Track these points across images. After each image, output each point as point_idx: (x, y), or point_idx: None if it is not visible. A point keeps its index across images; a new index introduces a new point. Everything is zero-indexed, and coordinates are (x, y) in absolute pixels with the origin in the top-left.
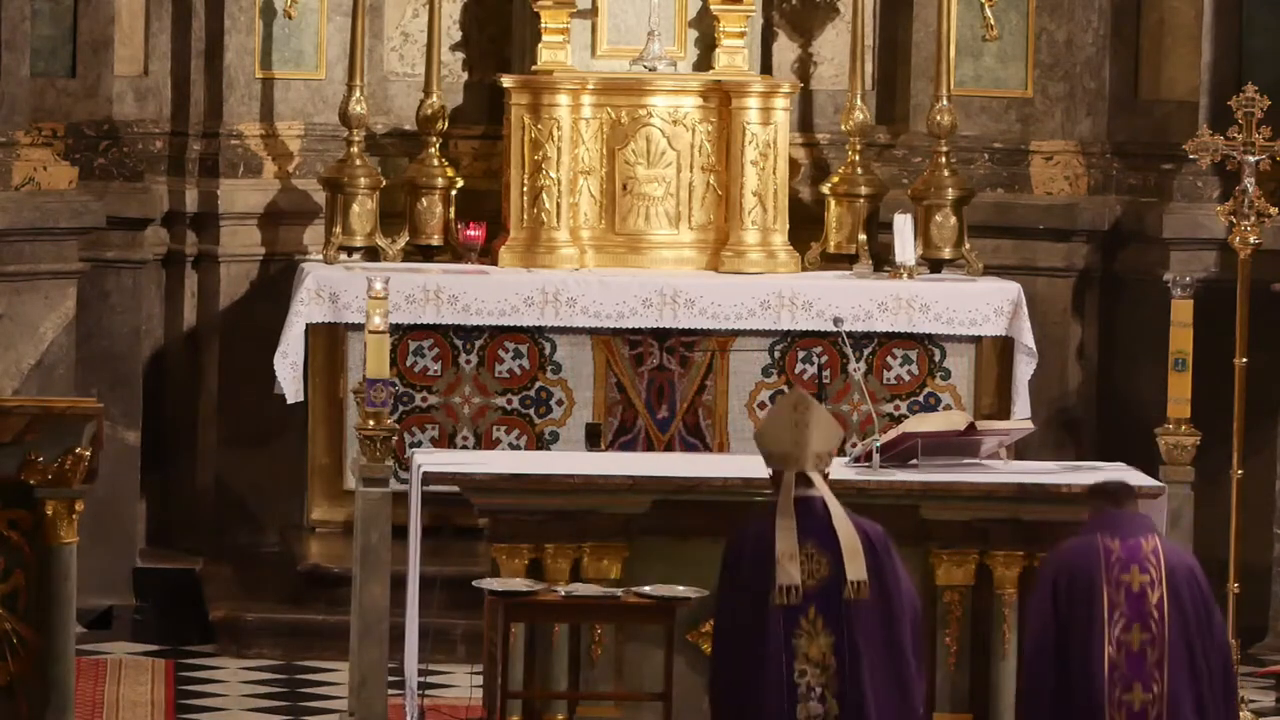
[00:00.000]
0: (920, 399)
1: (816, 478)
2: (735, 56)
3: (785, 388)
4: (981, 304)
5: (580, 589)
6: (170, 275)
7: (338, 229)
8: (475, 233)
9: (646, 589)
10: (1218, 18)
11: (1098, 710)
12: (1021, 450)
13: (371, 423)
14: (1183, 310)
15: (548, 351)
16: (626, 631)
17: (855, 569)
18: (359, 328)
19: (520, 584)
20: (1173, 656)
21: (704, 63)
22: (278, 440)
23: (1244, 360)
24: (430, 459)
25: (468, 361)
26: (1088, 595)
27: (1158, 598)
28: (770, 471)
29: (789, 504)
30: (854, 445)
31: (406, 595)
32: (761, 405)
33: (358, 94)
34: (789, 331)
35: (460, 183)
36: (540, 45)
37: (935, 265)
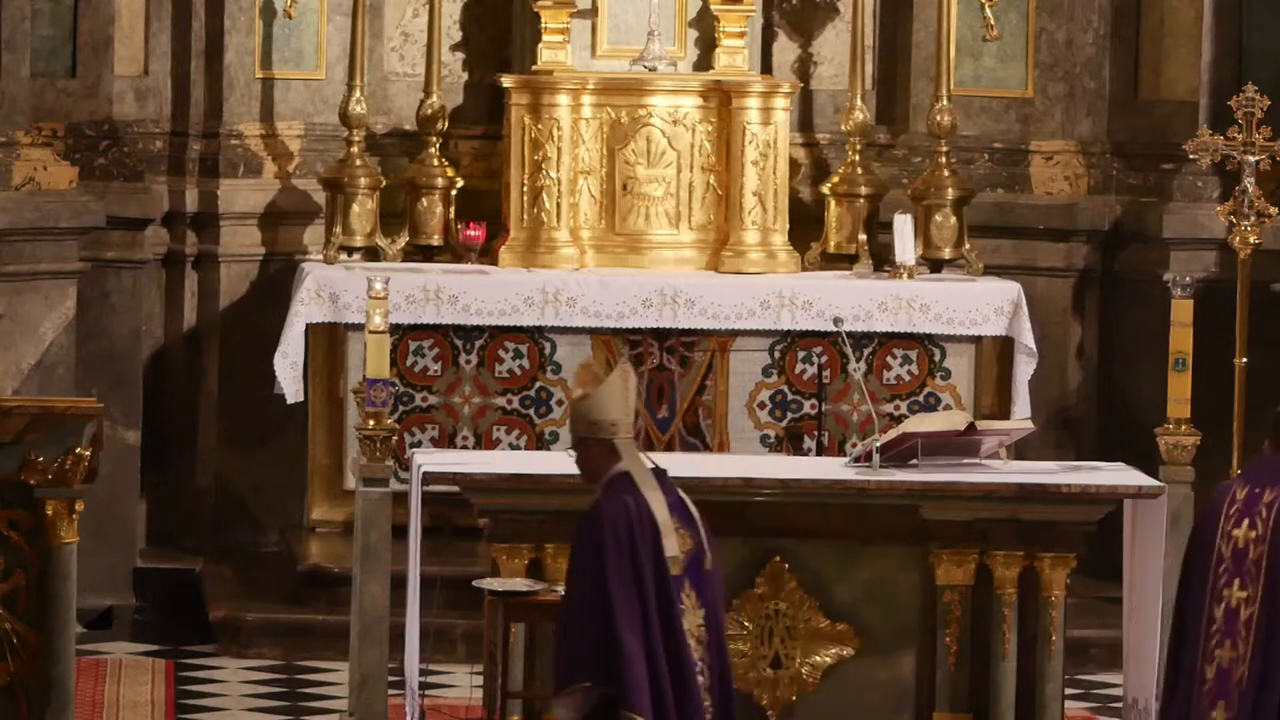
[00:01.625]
0: (920, 399)
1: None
2: (735, 56)
3: (785, 387)
4: (981, 304)
5: None
6: (170, 275)
7: (338, 229)
8: (475, 233)
9: None
10: (1218, 18)
11: (1195, 660)
12: (1021, 450)
13: (371, 423)
14: (1183, 310)
15: (548, 351)
16: None
17: (705, 538)
18: (359, 328)
19: (520, 584)
20: (1264, 617)
21: (704, 63)
22: (278, 440)
23: (1244, 360)
24: (430, 459)
25: (468, 361)
26: (1204, 543)
27: (1258, 555)
28: (590, 442)
29: (651, 474)
30: (854, 445)
31: (406, 595)
32: (761, 405)
33: (358, 94)
34: (789, 331)
35: (460, 183)
36: (540, 45)
37: (935, 265)
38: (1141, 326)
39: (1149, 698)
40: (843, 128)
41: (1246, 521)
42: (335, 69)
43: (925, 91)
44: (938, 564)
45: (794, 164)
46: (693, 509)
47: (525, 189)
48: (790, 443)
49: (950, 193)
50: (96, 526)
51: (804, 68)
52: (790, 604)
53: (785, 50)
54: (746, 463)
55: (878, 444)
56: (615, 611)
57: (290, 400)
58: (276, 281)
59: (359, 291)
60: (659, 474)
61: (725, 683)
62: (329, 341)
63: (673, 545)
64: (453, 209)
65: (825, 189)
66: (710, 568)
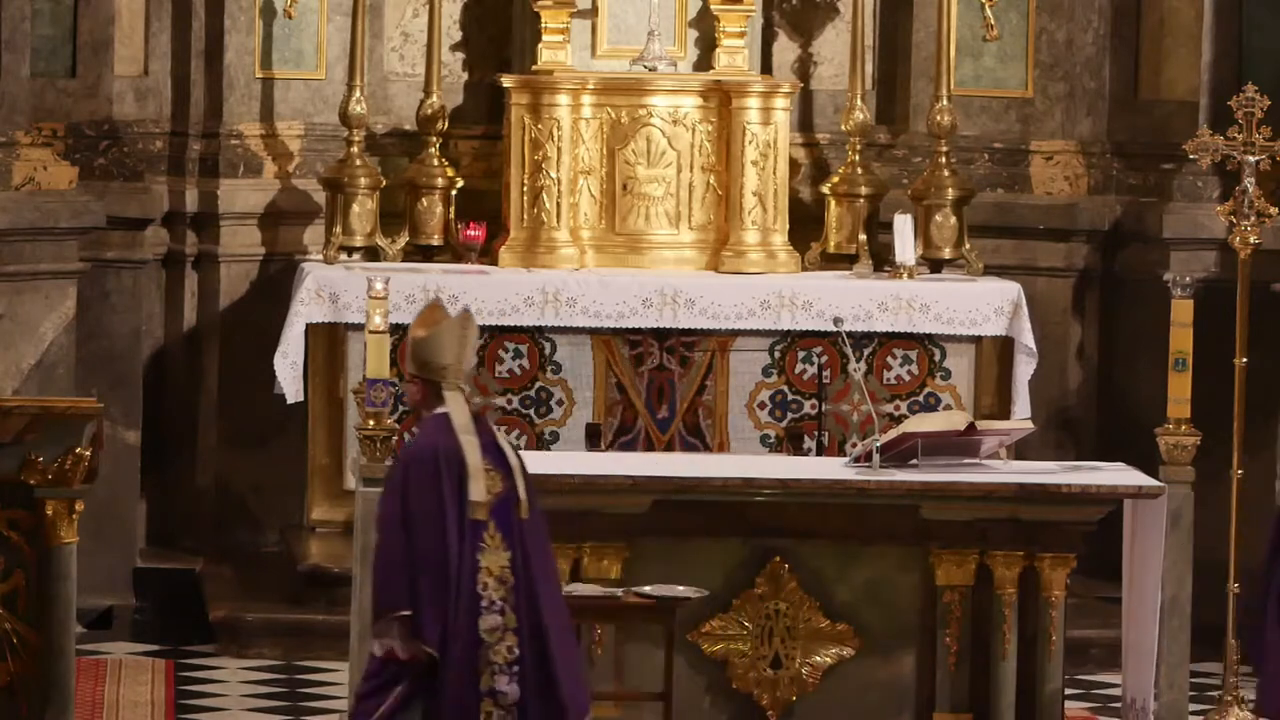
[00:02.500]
0: (920, 399)
1: (469, 391)
2: (735, 56)
3: (785, 387)
4: (981, 304)
5: (580, 589)
6: (170, 275)
7: (338, 229)
8: (475, 233)
9: (646, 589)
10: (1218, 18)
11: None
12: (1021, 450)
13: (371, 423)
14: (1183, 310)
15: (548, 351)
16: (626, 631)
17: (523, 485)
18: (359, 328)
19: None
20: None
21: (704, 63)
22: (278, 440)
23: (1244, 360)
24: None
25: None
26: None
27: None
28: (420, 381)
29: (469, 418)
30: (854, 445)
31: None
32: (761, 405)
33: (358, 94)
34: (789, 331)
35: (460, 183)
36: (540, 45)
37: (935, 265)
38: (1141, 326)
39: (1148, 697)
40: (843, 128)
41: None
42: (335, 69)
43: (925, 91)
44: (938, 564)
45: (794, 164)
46: (511, 457)
47: (525, 189)
48: (790, 443)
49: (950, 193)
50: (96, 526)
51: (804, 68)
52: (790, 604)
53: (785, 50)
54: (746, 463)
55: (878, 444)
56: (412, 543)
57: (290, 400)
58: (276, 281)
59: (359, 291)
60: (478, 419)
61: (538, 626)
62: (329, 341)
63: (479, 489)
64: (453, 209)
65: (825, 189)
66: (526, 515)
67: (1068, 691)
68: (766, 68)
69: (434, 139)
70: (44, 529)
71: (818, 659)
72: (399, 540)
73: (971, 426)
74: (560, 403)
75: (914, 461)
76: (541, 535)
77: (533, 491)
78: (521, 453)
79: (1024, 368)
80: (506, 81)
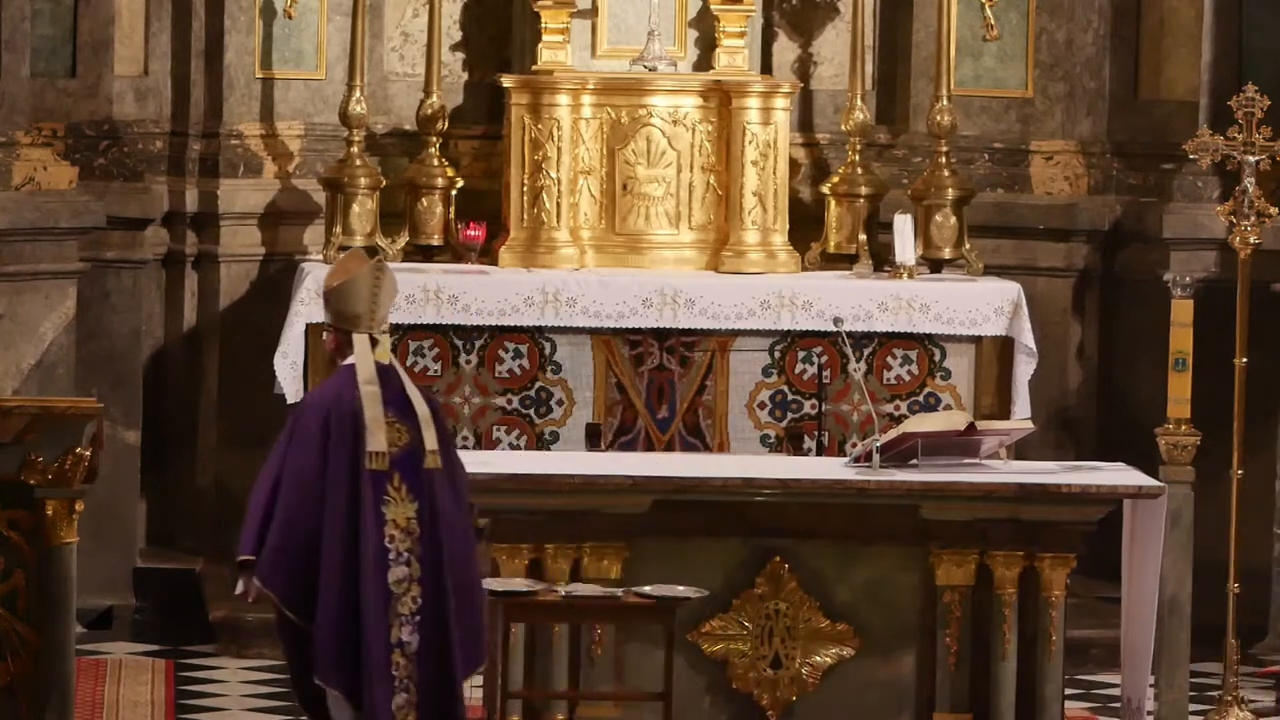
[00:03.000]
0: (920, 399)
1: (384, 341)
2: (735, 56)
3: (785, 387)
4: (981, 304)
5: (580, 589)
6: (170, 275)
7: (338, 229)
8: (475, 233)
9: (646, 589)
10: (1218, 18)
11: None
12: (1021, 450)
13: None
14: (1183, 310)
15: (548, 351)
16: (626, 631)
17: (430, 438)
18: None
19: (520, 584)
20: None
21: (704, 63)
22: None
23: (1244, 360)
24: None
25: (468, 361)
26: None
27: None
28: (332, 332)
29: (373, 369)
30: (854, 445)
31: None
32: (761, 405)
33: (358, 94)
34: (789, 331)
35: (460, 183)
36: (540, 45)
37: (935, 265)
38: (1141, 326)
39: (1144, 697)
40: (843, 128)
41: None
42: (335, 69)
43: (925, 91)
44: (938, 564)
45: (794, 164)
46: (420, 407)
47: (525, 189)
48: (790, 443)
49: (950, 193)
50: (96, 526)
51: (804, 68)
52: (790, 604)
53: (785, 50)
54: (746, 463)
55: (878, 444)
56: (276, 495)
57: (290, 400)
58: (276, 281)
59: None
60: (385, 370)
61: (438, 577)
62: None
63: (379, 440)
64: (453, 209)
65: (825, 189)
66: (436, 466)
67: (1068, 691)
68: (766, 68)
69: (434, 139)
70: (44, 529)
71: (818, 659)
72: (265, 490)
73: (971, 426)
74: (560, 403)
75: (914, 461)
76: (453, 487)
77: (446, 442)
78: (436, 402)
79: (1024, 368)
80: (506, 81)
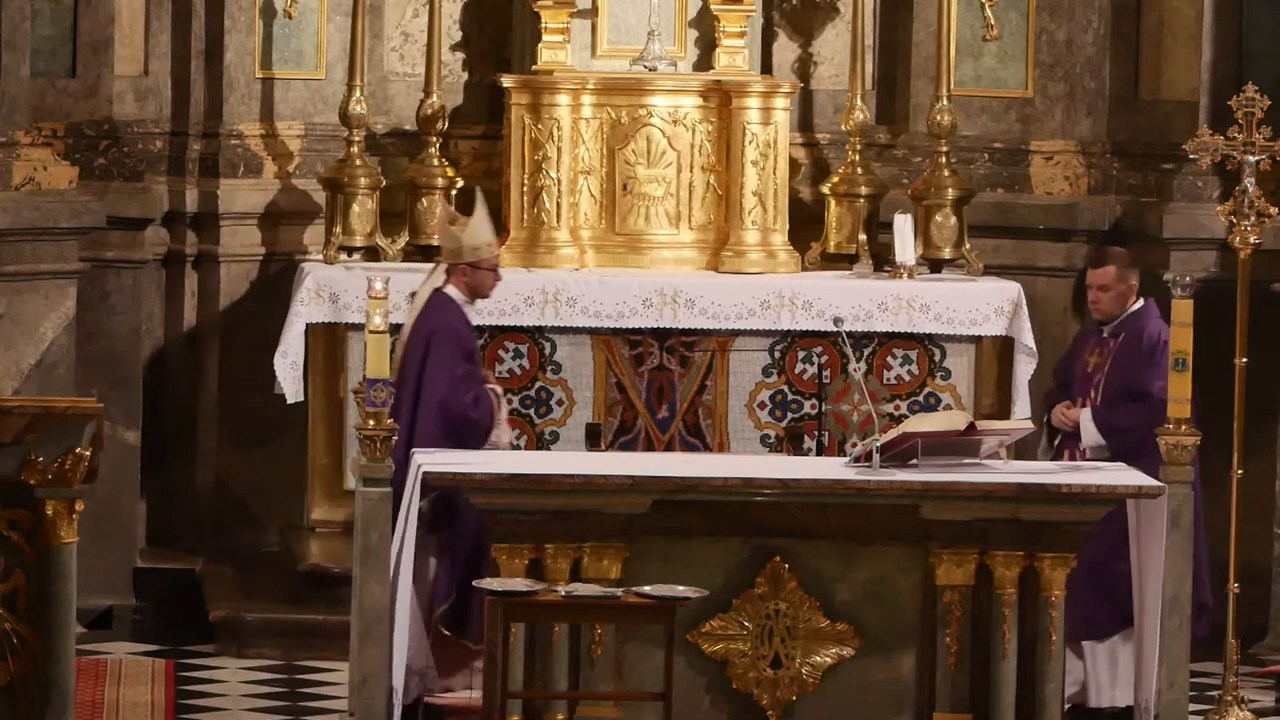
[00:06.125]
0: (920, 399)
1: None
2: (735, 56)
3: (785, 387)
4: (981, 304)
5: (580, 589)
6: (170, 275)
7: (338, 229)
8: None
9: (646, 589)
10: (1218, 18)
11: None
12: (1021, 450)
13: (371, 423)
14: (1183, 310)
15: (548, 351)
16: (626, 631)
17: None
18: (359, 328)
19: (520, 584)
20: None
21: (704, 63)
22: (278, 440)
23: (1244, 360)
24: (430, 459)
25: None
26: None
27: None
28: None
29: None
30: (854, 445)
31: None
32: (761, 405)
33: (358, 94)
34: (789, 331)
35: (460, 183)
36: (540, 45)
37: (935, 265)
38: None
39: (1148, 697)
40: (843, 128)
41: None
42: (335, 69)
43: (925, 91)
44: (938, 564)
45: (794, 164)
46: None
47: (525, 189)
48: (790, 443)
49: (950, 193)
50: (96, 526)
51: (804, 68)
52: (790, 604)
53: (785, 50)
54: (746, 463)
55: (878, 444)
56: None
57: (290, 400)
58: (276, 281)
59: (359, 291)
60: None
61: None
62: (329, 341)
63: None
64: (453, 209)
65: (825, 189)
66: None
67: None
68: (766, 68)
69: (434, 139)
70: (44, 529)
71: (818, 659)
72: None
73: (971, 426)
74: (560, 403)
75: (914, 461)
76: None
77: None
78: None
79: (1024, 368)
80: (506, 81)
